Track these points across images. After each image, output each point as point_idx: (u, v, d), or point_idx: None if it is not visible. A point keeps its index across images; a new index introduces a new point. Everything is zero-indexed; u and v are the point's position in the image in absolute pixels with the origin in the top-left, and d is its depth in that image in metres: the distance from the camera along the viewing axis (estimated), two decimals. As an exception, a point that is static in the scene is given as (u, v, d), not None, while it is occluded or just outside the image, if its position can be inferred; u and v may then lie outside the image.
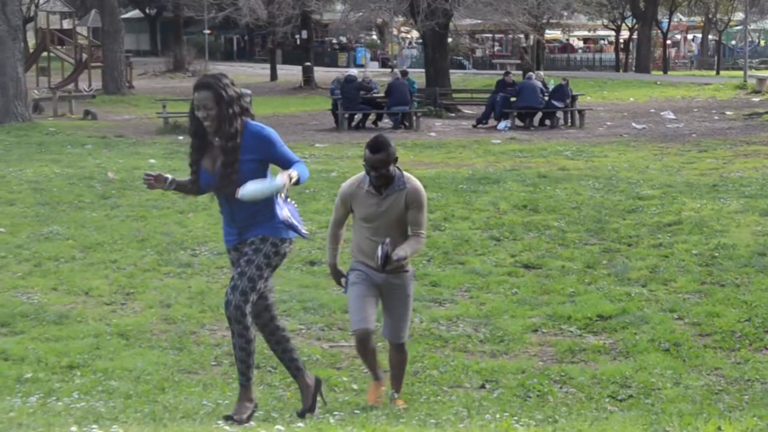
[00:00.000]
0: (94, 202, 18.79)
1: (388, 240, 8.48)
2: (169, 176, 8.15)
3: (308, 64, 55.15)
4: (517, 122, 33.90)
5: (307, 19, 58.71)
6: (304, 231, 8.08)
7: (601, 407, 9.06)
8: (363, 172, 8.65)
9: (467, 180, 20.95)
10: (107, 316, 12.10)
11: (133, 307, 12.60)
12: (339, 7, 65.86)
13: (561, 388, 9.68)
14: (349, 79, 33.71)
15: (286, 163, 7.75)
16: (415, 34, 62.95)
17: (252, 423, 7.64)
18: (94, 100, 40.34)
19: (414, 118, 33.63)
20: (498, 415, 8.22)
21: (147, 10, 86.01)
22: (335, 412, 8.39)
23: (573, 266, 14.37)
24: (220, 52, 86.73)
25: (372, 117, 34.50)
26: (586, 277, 13.79)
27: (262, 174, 7.74)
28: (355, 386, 9.68)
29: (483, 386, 9.82)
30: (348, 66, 53.47)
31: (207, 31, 72.72)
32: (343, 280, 9.01)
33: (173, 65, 68.04)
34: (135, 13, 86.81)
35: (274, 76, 59.19)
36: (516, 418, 8.02)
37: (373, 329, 8.74)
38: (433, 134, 31.70)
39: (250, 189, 7.47)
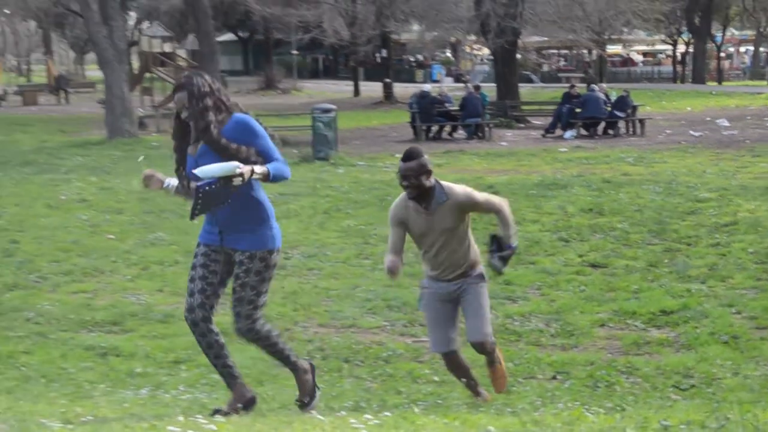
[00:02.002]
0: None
1: (492, 247, 8.22)
2: (169, 181, 7.52)
3: (388, 80, 55.15)
4: (582, 131, 33.71)
5: (386, 38, 58.74)
6: (195, 208, 7.00)
7: (665, 396, 8.98)
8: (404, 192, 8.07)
9: (537, 186, 20.85)
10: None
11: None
12: (416, 27, 65.95)
13: (627, 378, 9.60)
14: (424, 95, 33.78)
15: (266, 157, 7.14)
16: (486, 51, 62.71)
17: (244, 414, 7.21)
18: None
19: (486, 129, 33.56)
20: (570, 404, 8.18)
21: (240, 34, 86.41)
22: (419, 402, 8.39)
23: (637, 265, 14.25)
24: (307, 70, 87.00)
25: (447, 128, 34.46)
26: (649, 275, 13.67)
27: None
28: (436, 378, 9.66)
29: (555, 377, 9.77)
30: (424, 82, 53.28)
31: (295, 52, 73.15)
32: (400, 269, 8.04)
33: (264, 84, 68.35)
34: (229, 37, 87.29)
35: (356, 92, 59.30)
36: (586, 406, 7.97)
37: (454, 348, 8.36)
38: (504, 144, 31.59)
39: (206, 167, 6.85)
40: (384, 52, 60.31)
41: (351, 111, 42.27)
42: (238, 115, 7.21)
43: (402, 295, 12.72)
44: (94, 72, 78.27)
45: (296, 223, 17.37)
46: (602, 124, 34.23)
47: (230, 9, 68.90)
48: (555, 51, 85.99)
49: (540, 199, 19.22)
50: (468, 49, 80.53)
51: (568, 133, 33.12)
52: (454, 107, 34.74)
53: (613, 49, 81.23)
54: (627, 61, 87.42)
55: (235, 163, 6.81)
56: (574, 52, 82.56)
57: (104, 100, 35.40)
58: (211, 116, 7.06)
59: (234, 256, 7.26)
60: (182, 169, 7.38)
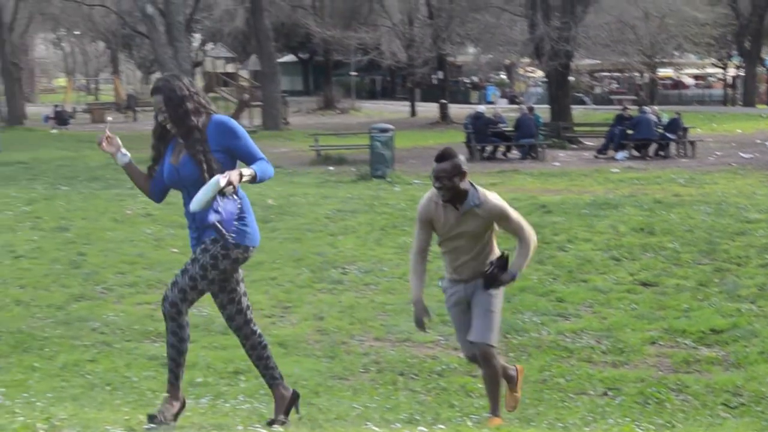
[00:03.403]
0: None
1: (494, 260, 7.73)
2: (125, 152, 7.20)
3: (444, 101, 55.11)
4: (634, 153, 33.50)
5: (442, 60, 58.73)
6: (228, 237, 6.69)
7: (714, 414, 8.88)
8: (433, 188, 7.69)
9: (589, 205, 20.73)
10: (267, 327, 12.21)
11: (290, 319, 12.71)
12: (471, 49, 65.94)
13: (678, 395, 9.51)
14: (479, 116, 33.75)
15: (249, 158, 6.83)
16: (539, 73, 62.57)
17: (174, 423, 6.88)
18: (255, 135, 40.74)
19: (540, 149, 33.44)
20: (620, 420, 8.12)
21: (300, 55, 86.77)
22: (472, 416, 8.36)
23: (687, 284, 14.12)
24: (365, 91, 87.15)
25: (502, 149, 34.39)
26: (699, 294, 13.54)
27: (231, 167, 6.79)
28: (489, 392, 9.62)
29: (606, 393, 9.70)
30: (479, 103, 53.28)
31: (353, 73, 73.30)
32: (426, 320, 7.94)
33: (324, 103, 68.56)
34: (290, 58, 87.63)
35: (413, 112, 59.29)
36: (637, 422, 7.91)
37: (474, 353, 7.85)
38: (557, 164, 31.46)
39: (196, 197, 6.52)
40: (440, 74, 60.28)
41: (407, 131, 42.31)
42: (218, 117, 6.95)
43: (456, 311, 12.69)
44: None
45: (353, 239, 17.40)
46: (653, 146, 34.00)
47: (291, 31, 69.21)
48: (607, 73, 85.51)
49: (592, 219, 19.09)
50: (522, 72, 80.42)
51: (620, 154, 32.92)
52: (508, 128, 34.67)
53: (664, 72, 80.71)
54: (678, 84, 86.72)
55: (216, 178, 6.48)
56: (626, 74, 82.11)
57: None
58: (192, 120, 6.81)
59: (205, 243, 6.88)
60: (154, 167, 7.11)
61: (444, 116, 53.94)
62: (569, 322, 12.39)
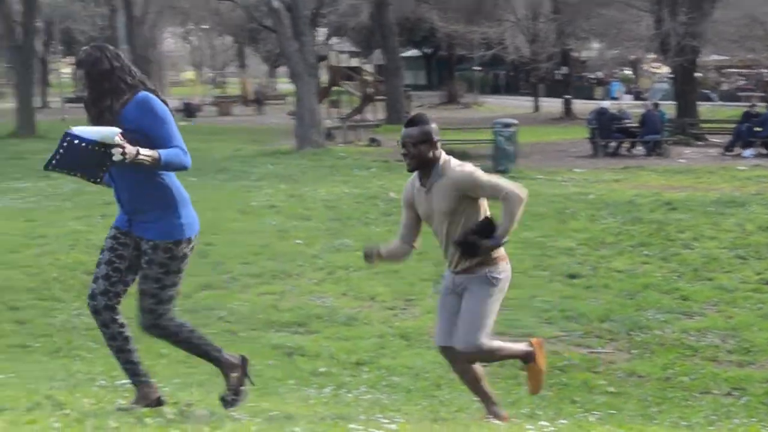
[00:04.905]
0: (378, 219, 19.08)
1: (474, 224, 6.79)
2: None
3: (568, 96, 54.69)
4: (762, 150, 32.84)
5: (566, 56, 58.26)
6: (55, 157, 5.96)
7: (844, 416, 8.69)
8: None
9: (714, 203, 20.36)
10: (390, 320, 12.28)
11: (412, 312, 12.74)
12: (596, 45, 65.25)
13: (806, 397, 9.32)
14: (603, 111, 33.44)
15: (163, 143, 6.16)
16: (665, 69, 61.66)
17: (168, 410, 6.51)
18: (378, 129, 40.91)
19: (665, 145, 32.98)
20: (745, 420, 7.98)
21: (424, 49, 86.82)
22: (594, 412, 8.29)
23: (816, 284, 13.82)
24: (488, 86, 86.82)
25: (626, 145, 33.98)
26: (828, 295, 13.24)
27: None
28: (611, 389, 9.54)
29: (730, 393, 9.55)
30: (603, 99, 52.60)
31: (477, 68, 73.10)
32: (373, 253, 7.26)
33: (446, 98, 68.45)
34: (413, 52, 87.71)
35: (536, 107, 58.90)
36: (763, 423, 7.78)
37: (449, 344, 7.06)
38: (682, 161, 30.97)
39: (85, 127, 6.03)
40: (564, 69, 59.81)
41: (531, 126, 42.00)
42: (141, 94, 6.26)
43: (579, 306, 12.60)
44: (284, 85, 79.61)
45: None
46: (782, 143, 33.30)
47: (415, 26, 69.27)
48: (734, 70, 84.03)
49: (718, 217, 18.75)
50: (647, 67, 79.36)
51: (748, 152, 32.28)
52: (633, 124, 34.26)
53: (794, 69, 78.96)
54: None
55: (116, 130, 5.96)
56: (754, 71, 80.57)
57: (294, 111, 35.98)
58: (106, 101, 6.24)
59: (141, 244, 6.37)
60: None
61: (568, 112, 53.52)
62: (693, 320, 12.21)
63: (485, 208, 6.94)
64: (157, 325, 6.43)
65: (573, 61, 62.91)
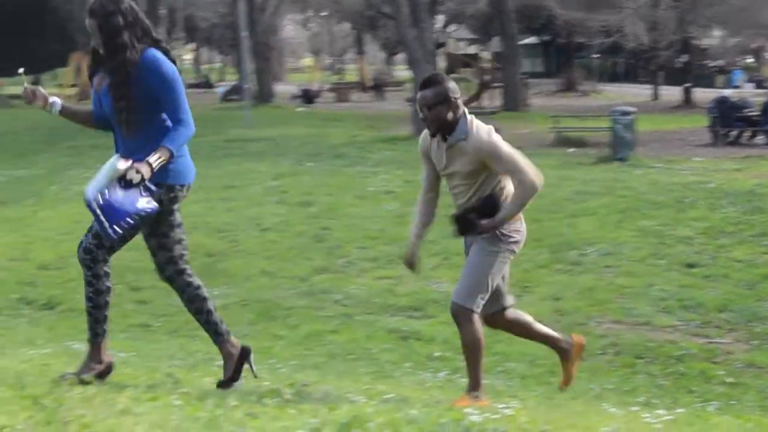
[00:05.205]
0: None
1: (477, 201, 6.49)
2: (54, 99, 6.24)
3: (688, 85, 53.86)
4: None
5: (687, 43, 57.38)
6: (107, 226, 5.90)
7: None
8: None
9: (838, 193, 19.89)
10: (506, 306, 12.24)
11: (528, 298, 12.68)
12: (718, 32, 64.18)
13: None
14: (724, 100, 32.90)
15: (168, 111, 6.01)
16: (789, 57, 60.50)
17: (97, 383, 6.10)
18: (495, 116, 40.72)
19: (788, 134, 32.33)
20: None
21: (542, 37, 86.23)
22: (712, 402, 8.17)
23: None
24: (607, 73, 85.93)
25: (747, 134, 33.36)
26: None
27: (149, 111, 6.05)
28: (730, 379, 9.40)
29: None
30: (724, 87, 51.77)
31: (595, 55, 72.39)
32: (414, 262, 7.06)
33: (564, 86, 67.89)
34: (531, 39, 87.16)
35: (655, 95, 58.11)
36: None
37: (485, 313, 6.85)
38: (805, 150, 30.33)
39: (94, 183, 5.88)
40: (685, 57, 58.89)
41: (650, 114, 41.46)
42: (149, 53, 6.03)
43: (697, 296, 12.43)
44: (401, 72, 79.72)
45: (593, 221, 17.19)
46: None
47: (533, 13, 68.78)
48: None
49: (841, 207, 18.32)
50: (770, 55, 77.81)
51: None
52: (754, 112, 33.61)
53: None
54: None
55: (112, 162, 5.88)
56: None
57: (412, 98, 36.01)
58: (123, 55, 5.97)
59: None
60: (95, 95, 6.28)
61: (687, 100, 52.70)
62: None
63: (504, 180, 6.59)
64: (92, 252, 6.21)
65: (694, 49, 61.90)
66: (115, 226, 5.89)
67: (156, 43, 6.11)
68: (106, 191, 5.84)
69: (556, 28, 72.64)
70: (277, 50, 76.18)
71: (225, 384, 6.33)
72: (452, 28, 77.70)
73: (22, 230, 16.98)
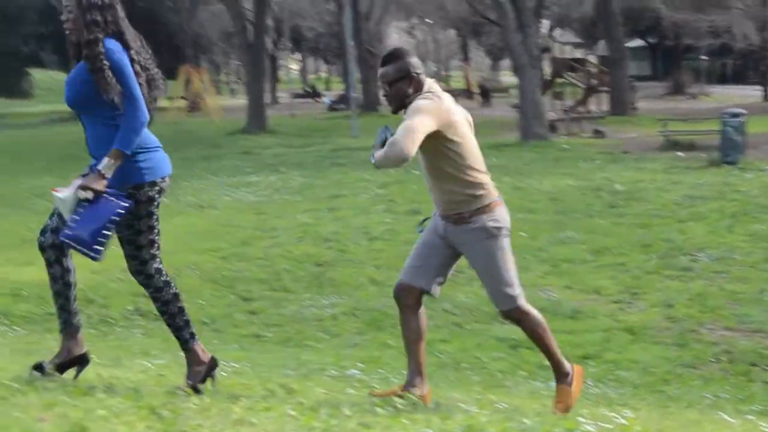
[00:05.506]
0: (602, 211, 18.85)
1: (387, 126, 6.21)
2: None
3: (799, 85, 53.00)
4: None
5: (798, 43, 56.41)
6: (87, 252, 5.91)
7: None
8: None
9: None
10: (615, 313, 12.14)
11: (638, 305, 12.55)
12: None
13: None
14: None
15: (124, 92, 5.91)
16: None
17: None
18: (602, 120, 40.39)
19: None
20: None
21: (648, 40, 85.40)
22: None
23: None
24: (715, 75, 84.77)
25: None
26: None
27: (94, 100, 5.95)
28: None
29: None
30: (837, 86, 50.76)
31: (704, 57, 71.38)
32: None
33: (672, 89, 67.12)
34: (638, 42, 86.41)
35: (766, 97, 57.16)
36: None
37: (407, 282, 6.59)
38: None
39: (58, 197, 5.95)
40: (796, 57, 57.89)
41: (760, 116, 40.73)
42: (109, 41, 5.97)
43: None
44: (507, 78, 79.57)
45: (703, 225, 16.96)
46: None
47: (640, 15, 68.22)
48: None
49: None
50: None
51: None
52: None
53: None
54: None
55: (65, 195, 5.90)
56: None
57: (518, 104, 35.89)
58: (96, 35, 5.91)
59: None
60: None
61: (800, 101, 51.79)
62: None
63: (460, 153, 6.27)
64: (142, 271, 6.29)
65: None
66: (95, 247, 5.91)
67: (120, 36, 6.04)
68: (71, 223, 5.89)
69: (663, 30, 71.90)
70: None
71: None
72: (558, 32, 77.34)
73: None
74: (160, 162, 6.22)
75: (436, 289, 6.64)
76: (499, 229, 6.35)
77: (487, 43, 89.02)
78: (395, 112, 6.33)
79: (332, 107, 58.83)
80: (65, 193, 5.96)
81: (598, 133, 35.34)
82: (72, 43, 6.10)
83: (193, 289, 13.83)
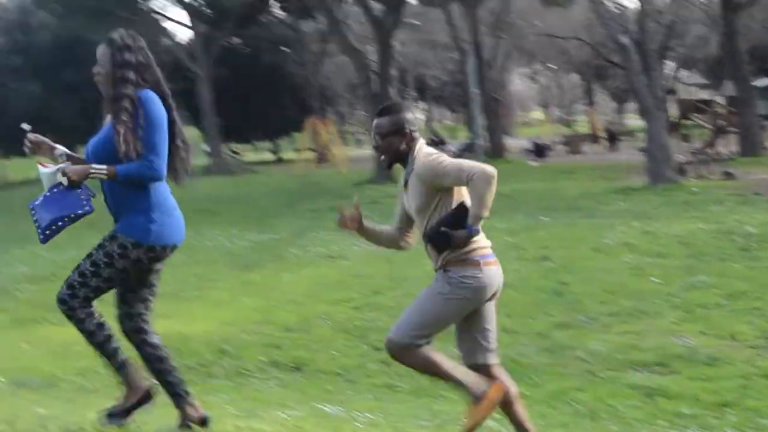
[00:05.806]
0: (734, 254, 18.48)
1: (447, 214, 6.18)
2: (61, 148, 6.39)
3: None
4: None
5: None
6: (37, 227, 6.09)
7: None
8: None
9: None
10: (753, 359, 11.87)
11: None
12: None
13: None
14: None
15: (143, 148, 6.06)
16: None
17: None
18: (732, 161, 39.74)
19: None
20: None
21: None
22: None
23: None
24: None
25: None
26: None
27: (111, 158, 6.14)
28: None
29: None
30: None
31: None
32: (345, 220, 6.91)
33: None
34: (766, 82, 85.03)
35: None
36: None
37: (467, 364, 6.57)
38: None
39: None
40: None
41: None
42: (142, 92, 6.16)
43: None
44: (632, 121, 78.84)
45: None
46: None
47: (766, 54, 67.12)
48: None
49: None
50: None
51: None
52: None
53: None
54: None
55: (50, 170, 6.13)
56: None
57: (645, 147, 35.53)
58: (126, 90, 6.13)
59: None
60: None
61: None
62: None
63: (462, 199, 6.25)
64: (66, 301, 6.22)
65: None
66: (46, 232, 6.11)
67: (156, 87, 6.25)
68: (41, 197, 6.13)
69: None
70: (507, 104, 76.52)
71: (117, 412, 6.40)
72: (683, 73, 76.45)
73: (265, 293, 17.48)
74: (172, 229, 6.32)
75: (489, 356, 6.70)
76: (464, 284, 6.27)
77: (612, 87, 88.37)
78: (389, 167, 6.48)
79: (458, 155, 58.95)
80: (50, 170, 6.18)
81: (728, 175, 34.74)
82: (103, 98, 6.29)
83: (325, 339, 13.95)
